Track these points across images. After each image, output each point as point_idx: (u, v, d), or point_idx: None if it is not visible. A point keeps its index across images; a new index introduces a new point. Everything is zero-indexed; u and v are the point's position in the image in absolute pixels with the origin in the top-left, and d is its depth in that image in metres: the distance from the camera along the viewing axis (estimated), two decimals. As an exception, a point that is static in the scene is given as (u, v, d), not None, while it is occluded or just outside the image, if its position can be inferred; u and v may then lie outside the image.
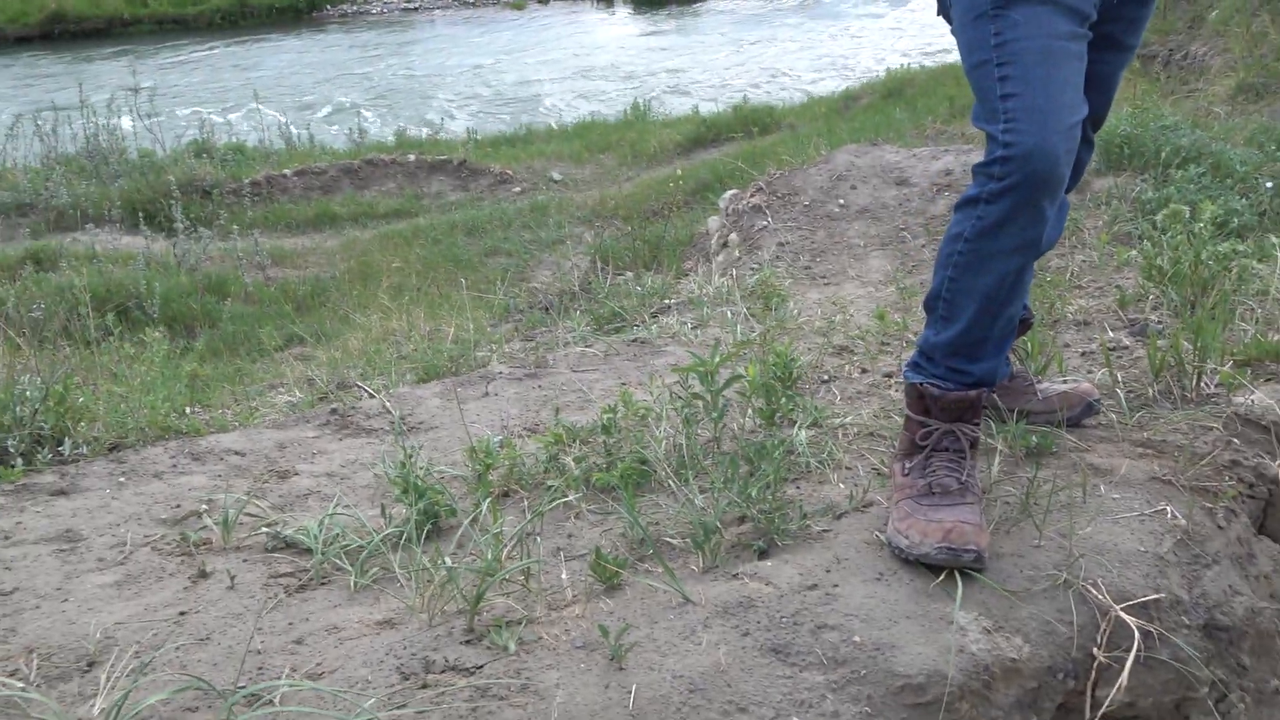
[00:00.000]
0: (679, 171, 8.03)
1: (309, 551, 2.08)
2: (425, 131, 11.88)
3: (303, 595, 1.92)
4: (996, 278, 1.68)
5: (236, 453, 2.71)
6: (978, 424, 1.77)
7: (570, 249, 8.32)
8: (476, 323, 5.24)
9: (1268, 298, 2.99)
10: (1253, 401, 2.02)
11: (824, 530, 1.83)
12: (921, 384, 1.78)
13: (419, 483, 2.14)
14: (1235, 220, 3.91)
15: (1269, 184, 3.68)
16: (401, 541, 2.03)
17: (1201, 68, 7.06)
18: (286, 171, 10.11)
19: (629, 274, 5.71)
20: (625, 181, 9.41)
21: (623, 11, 18.72)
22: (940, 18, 1.89)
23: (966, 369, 1.74)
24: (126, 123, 10.61)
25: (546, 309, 6.05)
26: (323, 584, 1.96)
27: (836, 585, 1.63)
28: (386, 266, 8.55)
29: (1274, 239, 3.07)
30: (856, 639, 1.51)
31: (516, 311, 6.15)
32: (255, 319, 7.74)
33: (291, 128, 11.47)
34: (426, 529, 2.11)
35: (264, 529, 2.19)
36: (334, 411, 3.04)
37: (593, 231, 8.44)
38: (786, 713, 1.40)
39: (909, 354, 3.10)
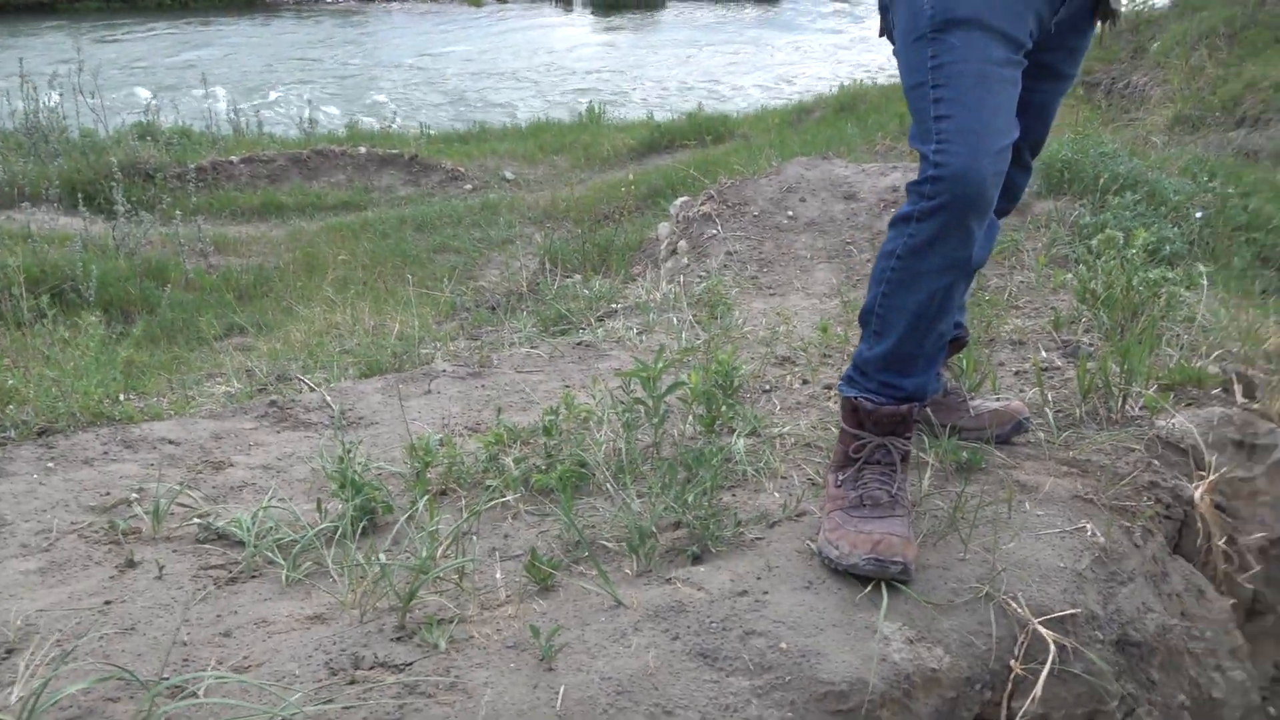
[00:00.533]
0: (631, 176, 8.05)
1: (241, 544, 2.06)
2: (377, 124, 11.76)
3: (232, 588, 1.90)
4: (926, 295, 1.72)
5: (171, 441, 2.67)
6: (909, 438, 1.82)
7: (520, 249, 8.29)
8: (422, 319, 5.21)
9: (1193, 325, 3.10)
10: (1174, 425, 2.09)
11: (757, 538, 1.86)
12: (855, 398, 1.82)
13: (356, 478, 2.13)
14: (1167, 248, 4.04)
15: (1199, 214, 3.80)
16: (336, 537, 2.02)
17: (1142, 97, 7.26)
18: (233, 158, 9.94)
19: (577, 276, 5.72)
20: (578, 184, 9.41)
21: (582, 14, 18.71)
22: (883, 38, 1.93)
23: (898, 384, 1.78)
24: (69, 101, 10.36)
25: (493, 308, 6.03)
26: (253, 577, 1.95)
27: (766, 592, 1.66)
28: (333, 259, 8.45)
29: (1202, 268, 3.17)
30: (783, 645, 1.53)
31: (463, 309, 6.12)
32: (195, 307, 7.60)
33: (240, 114, 11.28)
34: (362, 525, 2.10)
35: (196, 520, 2.16)
36: (273, 404, 3.01)
37: (543, 232, 8.43)
38: (712, 717, 1.42)
39: (841, 368, 3.17)
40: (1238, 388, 2.41)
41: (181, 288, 8.05)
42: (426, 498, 1.98)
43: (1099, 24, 1.91)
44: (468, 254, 8.40)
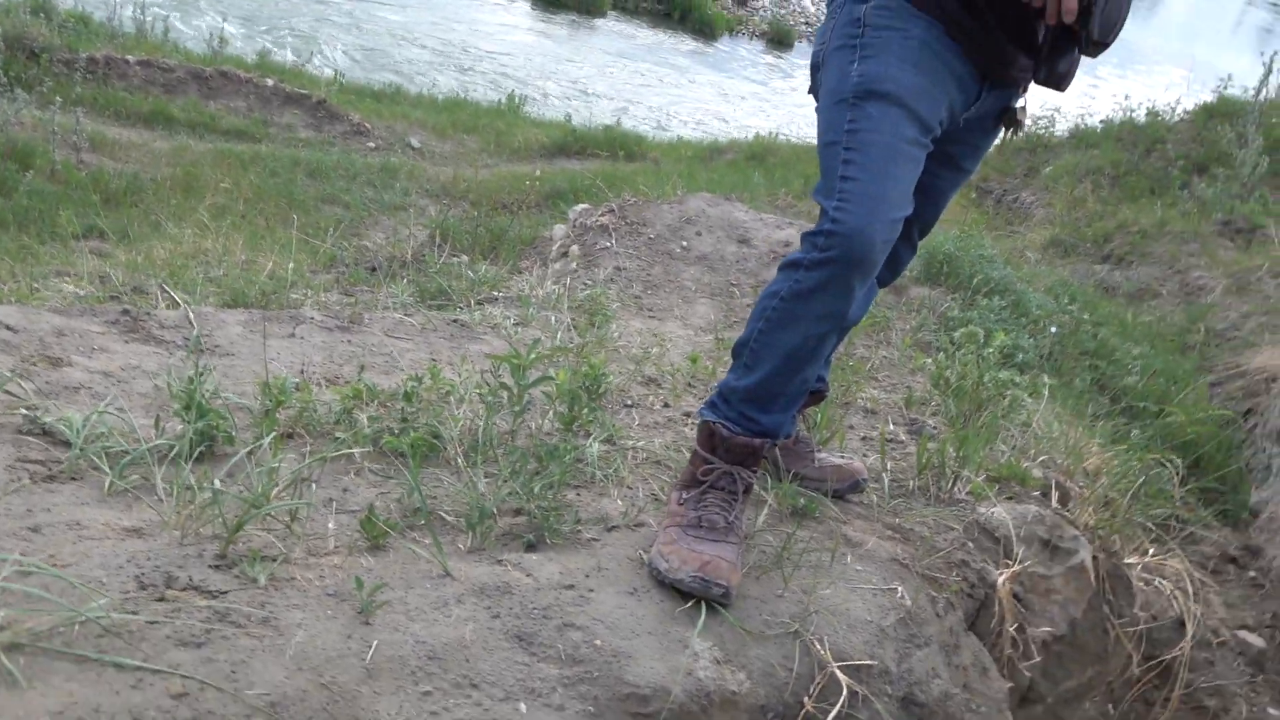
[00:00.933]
0: (538, 172, 8.06)
1: (66, 445, 1.97)
2: (291, 59, 11.41)
3: (49, 486, 1.82)
4: (800, 339, 1.81)
5: (8, 327, 2.54)
6: (755, 471, 1.90)
7: (410, 218, 8.15)
8: (298, 264, 5.09)
9: (1028, 429, 3.32)
10: (993, 514, 2.24)
11: (593, 538, 1.91)
12: (714, 422, 1.89)
13: (203, 402, 2.08)
14: (1020, 355, 4.31)
15: (1053, 329, 4.07)
16: (170, 457, 1.97)
17: (1026, 214, 7.72)
18: (130, 58, 9.47)
19: (465, 257, 5.68)
20: (483, 168, 9.34)
21: (522, 5, 18.61)
22: (810, 95, 2.03)
23: (756, 417, 1.86)
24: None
25: (373, 269, 5.92)
26: (74, 479, 1.87)
27: (592, 590, 1.70)
28: (214, 184, 8.14)
29: (1047, 379, 3.40)
30: (598, 643, 1.58)
31: (342, 265, 5.99)
32: (56, 200, 7.20)
33: (147, 13, 10.77)
34: (199, 451, 2.04)
35: (22, 410, 2.06)
36: (125, 312, 2.89)
37: (438, 207, 8.33)
38: (516, 697, 1.45)
39: (703, 398, 3.26)
40: (1055, 494, 2.60)
41: (46, 177, 7.61)
42: (273, 435, 1.94)
43: (1003, 130, 2.05)
44: (356, 211, 8.22)
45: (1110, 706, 2.65)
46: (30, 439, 1.98)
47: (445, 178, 9.03)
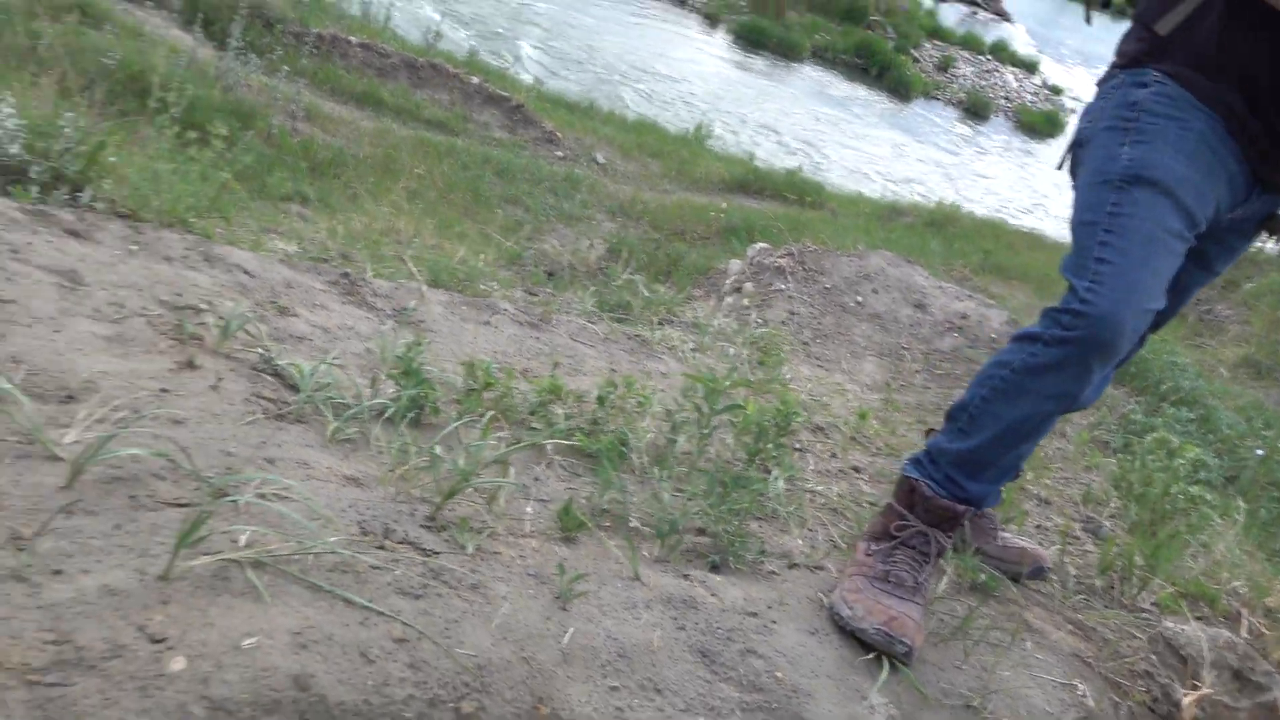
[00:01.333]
0: (724, 205, 8.12)
1: (294, 388, 2.10)
2: (497, 62, 11.86)
3: (279, 423, 1.94)
4: (1025, 414, 1.77)
5: (246, 271, 2.72)
6: (952, 537, 1.87)
7: (586, 230, 8.36)
8: (486, 257, 5.27)
9: (1210, 551, 3.15)
10: (1182, 630, 2.14)
11: (773, 572, 1.91)
12: (917, 480, 1.87)
13: (420, 370, 2.18)
14: (1202, 473, 4.10)
15: (1259, 452, 3.86)
16: (385, 417, 2.07)
17: (1220, 327, 7.35)
18: (352, 39, 10.03)
19: (640, 276, 5.78)
20: (662, 192, 9.49)
21: (724, 38, 18.86)
22: (1063, 171, 2.00)
23: (964, 483, 1.83)
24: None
25: (550, 274, 6.09)
26: (299, 422, 1.99)
27: (775, 622, 1.70)
28: (410, 169, 8.53)
29: (1241, 503, 3.23)
30: (778, 675, 1.58)
31: (524, 264, 6.18)
32: (269, 162, 7.67)
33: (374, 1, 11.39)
34: (410, 415, 2.14)
35: (259, 349, 2.21)
36: (345, 275, 3.06)
37: (614, 224, 8.51)
38: (696, 710, 1.46)
39: (871, 456, 3.22)
40: (1245, 624, 2.46)
41: (262, 139, 8.11)
42: (489, 415, 2.02)
43: (1266, 235, 1.97)
44: (535, 215, 8.47)
45: None
46: (265, 377, 2.11)
47: (624, 196, 9.21)
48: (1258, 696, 2.06)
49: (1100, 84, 1.95)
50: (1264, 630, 2.34)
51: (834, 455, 3.12)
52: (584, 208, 8.71)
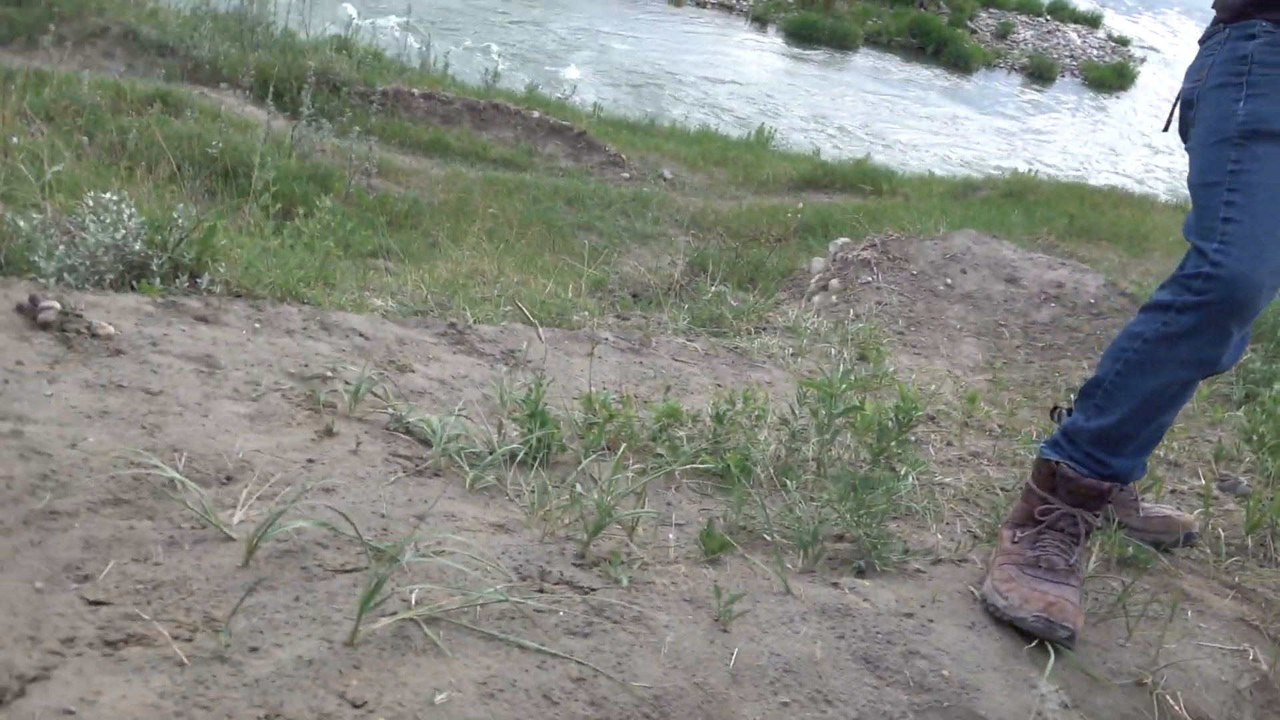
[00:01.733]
0: (800, 204, 8.10)
1: (426, 443, 2.18)
2: (554, 93, 12.03)
3: (420, 479, 2.02)
4: (1162, 383, 1.75)
5: (361, 335, 2.83)
6: (1098, 515, 1.85)
7: (662, 247, 8.42)
8: (574, 288, 5.35)
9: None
10: (1344, 581, 2.08)
11: (919, 570, 1.91)
12: (1057, 462, 1.86)
13: (543, 411, 2.24)
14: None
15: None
16: (516, 461, 2.13)
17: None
18: (415, 90, 10.29)
19: (725, 287, 5.81)
20: (731, 199, 9.50)
21: (774, 38, 18.81)
22: (1173, 133, 1.97)
23: (1106, 460, 1.81)
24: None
25: (635, 295, 6.15)
26: (437, 475, 2.06)
27: (931, 620, 1.71)
28: (483, 210, 8.69)
29: (1380, 441, 3.10)
30: (945, 673, 1.58)
31: (606, 290, 6.26)
32: (348, 220, 7.90)
33: (431, 50, 11.66)
34: (542, 459, 2.21)
35: (389, 409, 2.30)
36: (452, 325, 3.15)
37: (689, 237, 8.55)
38: (868, 717, 1.48)
39: (989, 440, 3.18)
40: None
41: (341, 199, 8.37)
42: (624, 447, 2.07)
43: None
44: (610, 238, 8.56)
45: None
46: (399, 435, 2.20)
47: (695, 208, 9.25)
48: None
49: (1202, 41, 1.92)
50: None
51: (950, 444, 3.10)
52: (656, 225, 8.77)
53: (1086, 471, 1.82)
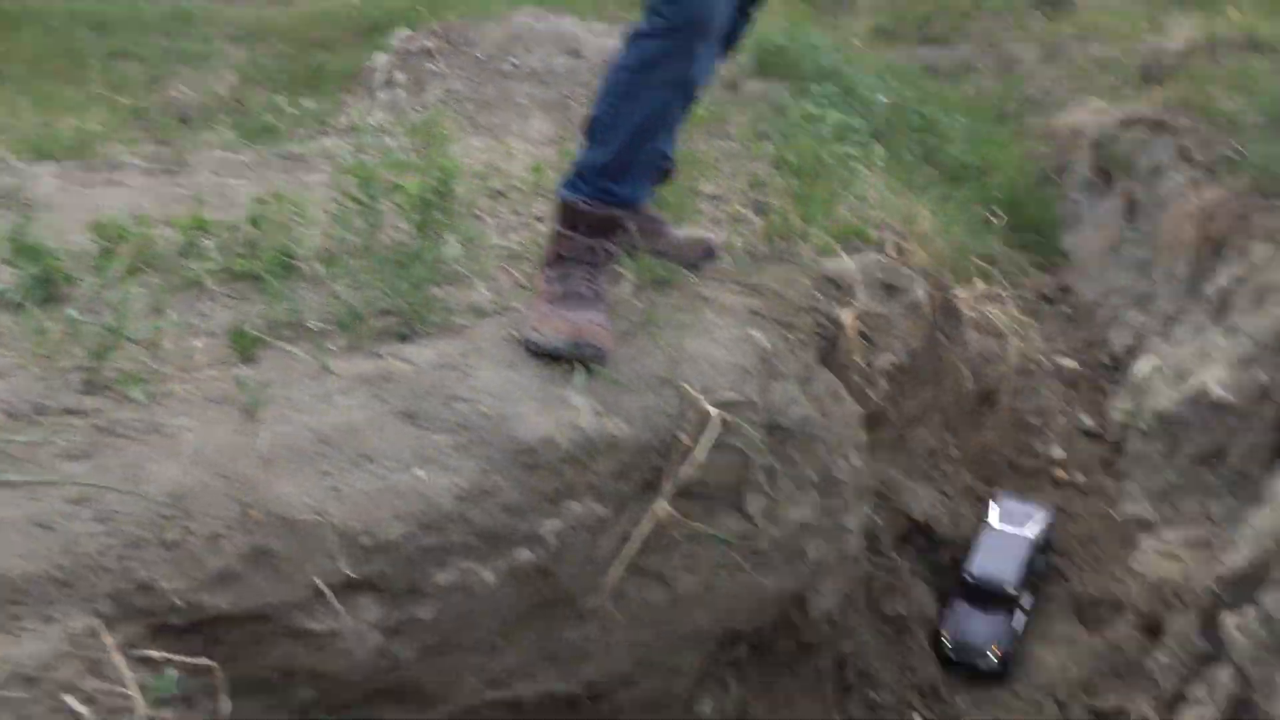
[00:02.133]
0: (357, 1, 7.61)
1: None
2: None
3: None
4: (650, 108, 1.87)
5: None
6: (616, 242, 1.97)
7: (216, 65, 7.63)
8: (103, 122, 4.76)
9: (864, 200, 3.48)
10: (838, 264, 2.40)
11: (465, 325, 1.96)
12: (572, 199, 1.94)
13: (36, 246, 1.99)
14: (851, 135, 4.46)
15: (881, 98, 4.22)
16: (16, 305, 1.89)
17: (852, 7, 7.81)
18: None
19: (284, 96, 5.41)
20: (286, 5, 8.76)
21: None
22: None
23: (613, 189, 1.92)
24: None
25: (184, 119, 5.57)
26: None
27: (472, 367, 1.77)
28: (-18, 49, 7.40)
29: (880, 149, 3.55)
30: (484, 410, 1.66)
31: (149, 118, 5.61)
32: None
33: None
34: (41, 296, 1.97)
35: None
36: (-76, 171, 2.69)
37: (244, 50, 7.81)
38: (410, 465, 1.52)
39: (550, 204, 3.29)
40: (892, 246, 2.77)
41: None
42: (125, 264, 1.89)
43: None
44: (153, 63, 7.62)
45: (947, 434, 2.93)
46: None
47: (249, 19, 8.43)
48: (905, 298, 2.36)
49: None
50: (904, 246, 2.65)
51: (516, 213, 3.15)
52: (206, 42, 7.92)
53: (598, 203, 1.92)
